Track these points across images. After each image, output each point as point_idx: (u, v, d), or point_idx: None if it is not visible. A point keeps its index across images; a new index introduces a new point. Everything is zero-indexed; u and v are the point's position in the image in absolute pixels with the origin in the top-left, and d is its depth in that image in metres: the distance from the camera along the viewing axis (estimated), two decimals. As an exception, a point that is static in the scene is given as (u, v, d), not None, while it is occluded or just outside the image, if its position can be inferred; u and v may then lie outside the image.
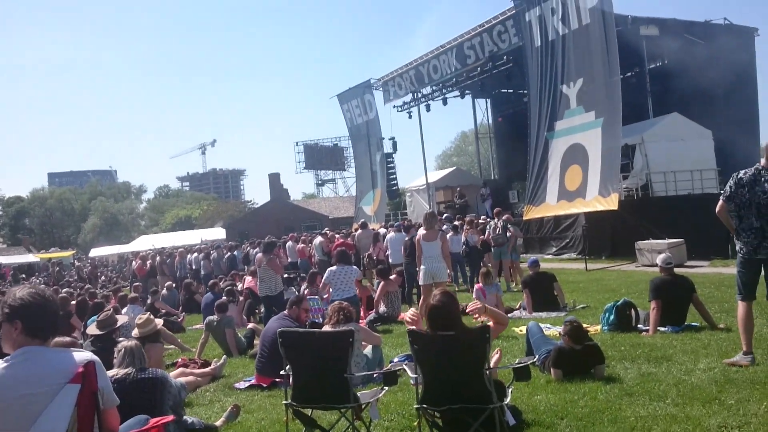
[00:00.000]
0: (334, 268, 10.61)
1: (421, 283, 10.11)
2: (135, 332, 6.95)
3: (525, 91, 23.19)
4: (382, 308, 10.84)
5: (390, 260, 14.81)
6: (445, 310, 4.43)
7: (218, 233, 50.39)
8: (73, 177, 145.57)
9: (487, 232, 15.33)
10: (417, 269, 10.31)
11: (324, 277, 10.68)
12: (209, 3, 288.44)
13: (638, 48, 21.80)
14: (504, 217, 15.27)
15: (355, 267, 11.39)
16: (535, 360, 5.91)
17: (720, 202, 6.01)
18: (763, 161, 5.75)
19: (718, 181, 20.64)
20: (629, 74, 23.57)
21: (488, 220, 15.63)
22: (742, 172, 5.85)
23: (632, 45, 20.90)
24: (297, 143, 61.92)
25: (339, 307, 6.66)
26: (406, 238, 13.69)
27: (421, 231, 10.19)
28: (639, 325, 8.02)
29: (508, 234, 14.54)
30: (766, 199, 5.62)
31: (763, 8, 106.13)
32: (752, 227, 5.72)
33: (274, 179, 55.10)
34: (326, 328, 6.44)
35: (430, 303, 4.59)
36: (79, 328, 11.48)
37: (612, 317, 8.11)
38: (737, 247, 5.98)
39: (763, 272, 5.92)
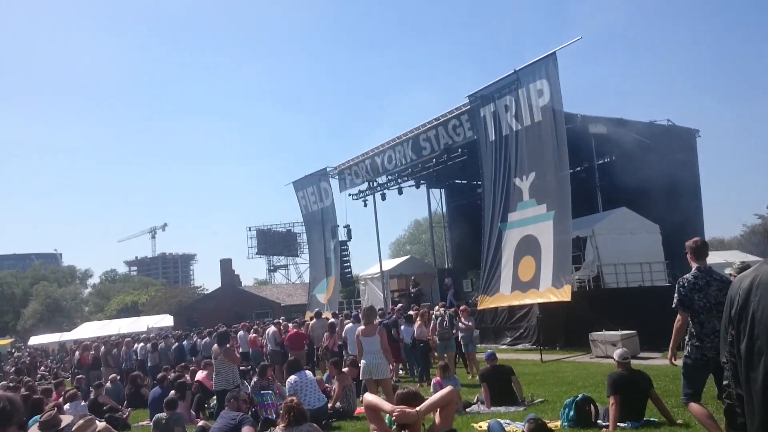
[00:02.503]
0: (292, 378, 10.15)
1: (360, 378, 10.03)
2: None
3: (478, 182, 23.68)
4: (337, 404, 10.54)
5: (348, 350, 14.57)
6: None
7: (166, 320, 48.95)
8: (16, 260, 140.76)
9: (432, 325, 14.89)
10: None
11: (287, 389, 10.25)
12: (163, 89, 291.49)
13: (587, 144, 22.70)
14: (451, 310, 15.13)
15: (309, 372, 10.96)
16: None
17: (680, 314, 5.91)
18: (694, 264, 5.86)
19: (666, 273, 21.22)
20: (579, 169, 24.39)
21: (442, 309, 15.39)
22: (690, 276, 5.87)
23: (582, 142, 21.75)
24: (249, 228, 61.84)
25: (289, 407, 6.27)
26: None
27: (360, 326, 10.13)
28: (599, 421, 7.95)
29: (464, 325, 14.50)
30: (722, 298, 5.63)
31: (703, 112, 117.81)
32: (716, 330, 5.52)
33: (226, 265, 54.22)
34: (279, 429, 6.18)
35: (399, 393, 4.69)
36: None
37: (572, 413, 8.03)
38: (696, 354, 5.82)
39: (713, 374, 5.75)
